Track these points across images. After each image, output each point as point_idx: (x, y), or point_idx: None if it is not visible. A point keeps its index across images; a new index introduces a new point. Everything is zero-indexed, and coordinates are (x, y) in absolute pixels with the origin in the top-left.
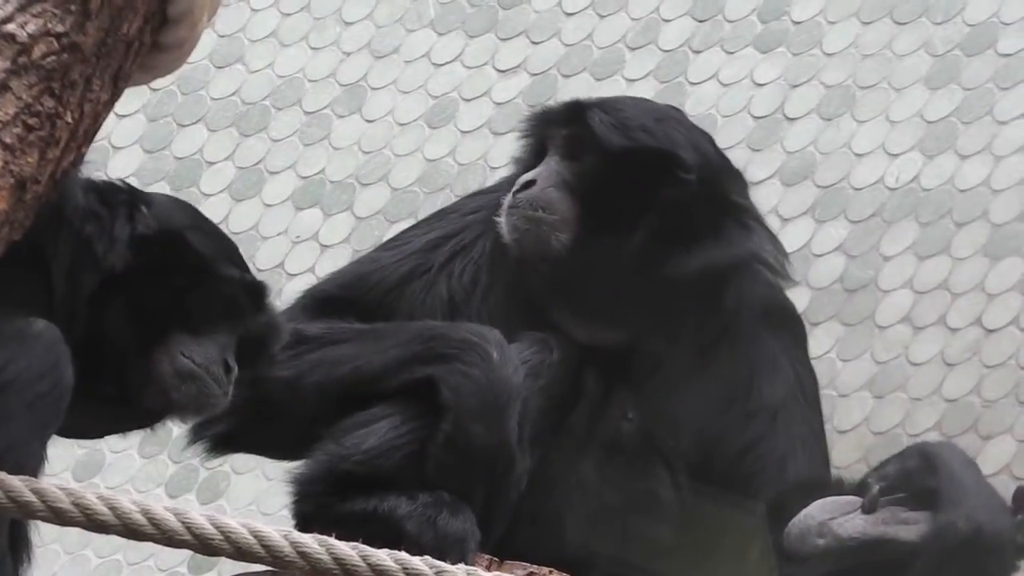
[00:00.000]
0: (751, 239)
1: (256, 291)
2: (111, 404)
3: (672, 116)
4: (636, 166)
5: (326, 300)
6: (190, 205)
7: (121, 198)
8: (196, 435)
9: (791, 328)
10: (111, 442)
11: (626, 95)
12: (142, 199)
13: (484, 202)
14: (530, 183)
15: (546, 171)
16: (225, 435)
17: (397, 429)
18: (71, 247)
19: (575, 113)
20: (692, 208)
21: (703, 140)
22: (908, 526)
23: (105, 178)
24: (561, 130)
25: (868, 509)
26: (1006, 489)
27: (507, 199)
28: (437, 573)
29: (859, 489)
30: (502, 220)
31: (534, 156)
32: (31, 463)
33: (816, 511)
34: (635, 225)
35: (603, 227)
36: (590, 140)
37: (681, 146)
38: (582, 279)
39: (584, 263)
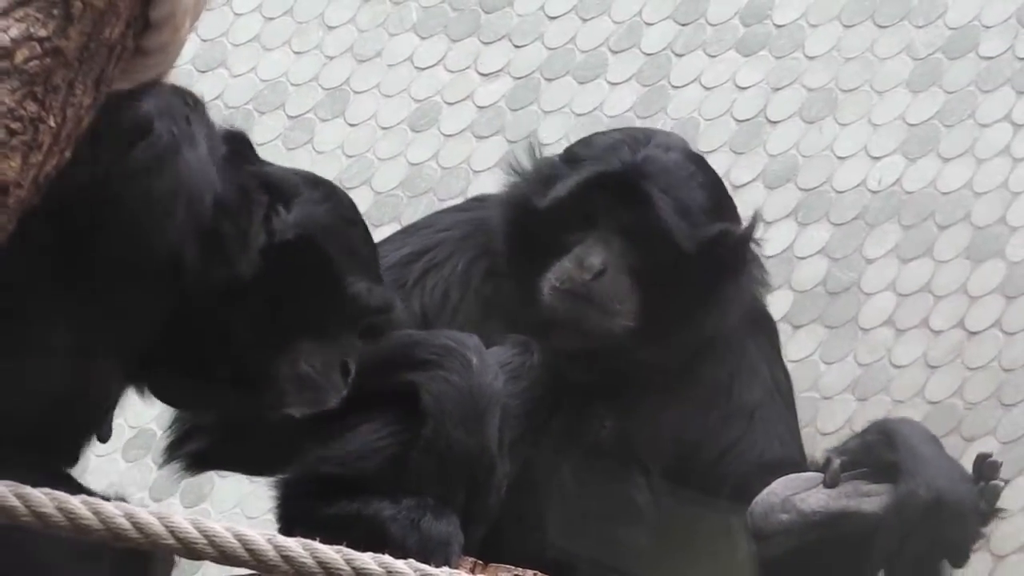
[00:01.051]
0: (757, 274)
1: (384, 308)
2: (222, 386)
3: (715, 179)
4: (708, 257)
5: None
6: (336, 191)
7: (259, 197)
8: (171, 454)
9: (766, 329)
10: (95, 446)
11: (658, 142)
12: (284, 191)
13: (457, 220)
14: (601, 272)
15: (611, 258)
16: (201, 453)
17: (379, 432)
18: (206, 240)
19: (636, 194)
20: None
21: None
22: (870, 498)
23: (245, 149)
24: (621, 211)
25: (830, 484)
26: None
27: (564, 276)
28: (420, 575)
29: (821, 466)
30: (557, 303)
31: (578, 219)
32: None
33: (779, 488)
34: (698, 309)
35: (665, 315)
36: (657, 230)
37: (739, 221)
38: (628, 362)
39: (637, 350)
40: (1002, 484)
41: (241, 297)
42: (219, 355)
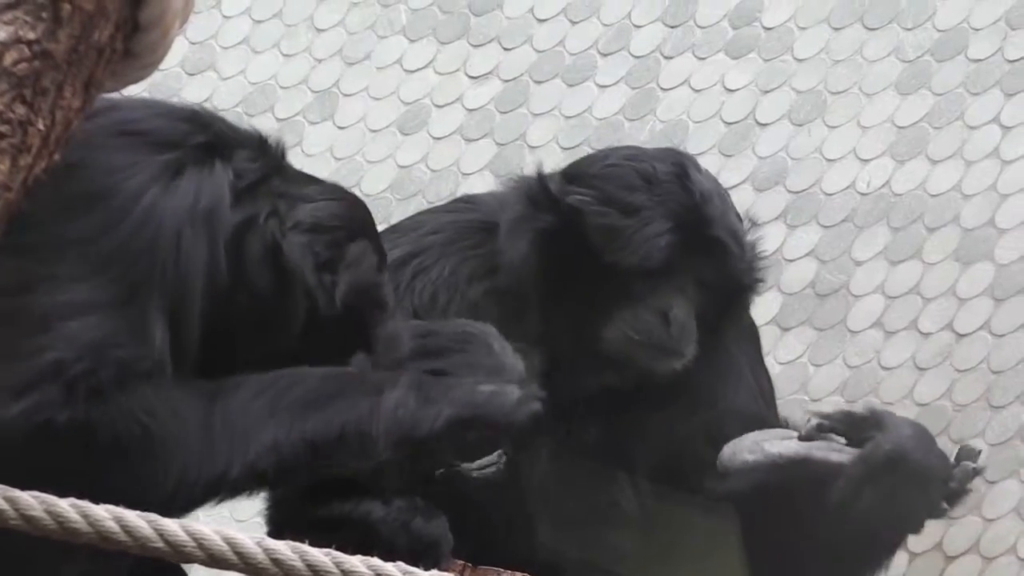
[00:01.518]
0: None
1: (390, 346)
2: None
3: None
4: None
5: None
6: (368, 233)
7: (311, 277)
8: None
9: (749, 334)
10: None
11: (699, 176)
12: (331, 262)
13: (443, 223)
14: (684, 324)
15: (687, 306)
16: None
17: None
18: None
19: (714, 246)
20: None
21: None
22: (839, 453)
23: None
24: (699, 260)
25: (804, 438)
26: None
27: (645, 330)
28: None
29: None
30: (639, 354)
31: (668, 274)
32: None
33: (753, 435)
34: (730, 327)
35: (708, 340)
36: (732, 277)
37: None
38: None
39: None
40: (975, 466)
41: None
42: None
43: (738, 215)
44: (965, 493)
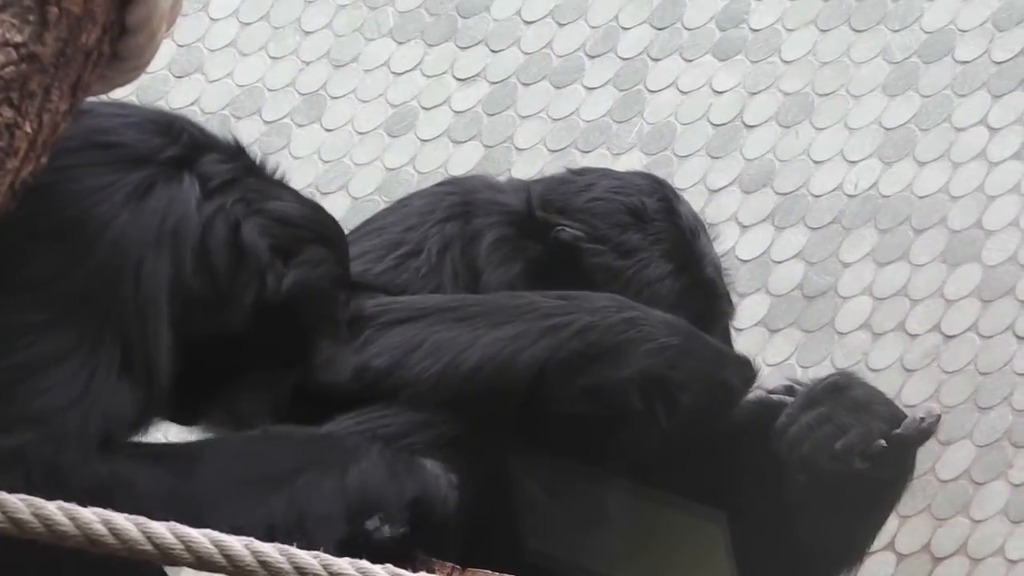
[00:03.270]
0: None
1: (338, 379)
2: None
3: None
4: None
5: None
6: (336, 243)
7: (260, 253)
8: None
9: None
10: None
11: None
12: (287, 248)
13: (425, 206)
14: None
15: None
16: None
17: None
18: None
19: (708, 287)
20: None
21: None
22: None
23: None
24: (692, 298)
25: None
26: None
27: None
28: None
29: None
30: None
31: None
32: None
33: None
34: None
35: None
36: (712, 307)
37: None
38: None
39: None
40: (925, 419)
41: (217, 339)
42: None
43: (709, 239)
44: (910, 443)
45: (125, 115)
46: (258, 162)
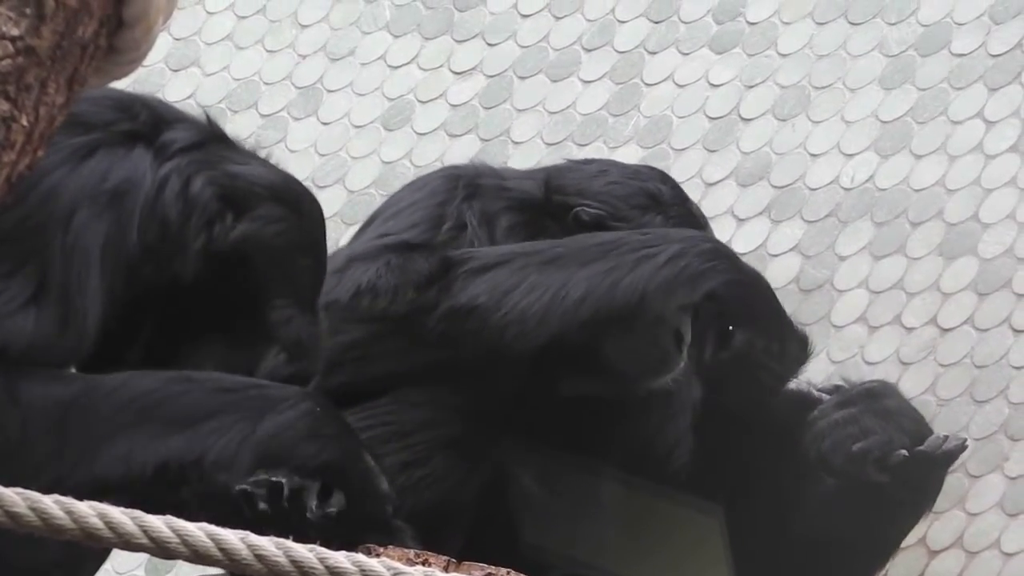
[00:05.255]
0: None
1: (297, 343)
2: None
3: None
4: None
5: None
6: (302, 212)
7: (211, 204)
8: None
9: None
10: None
11: None
12: (240, 202)
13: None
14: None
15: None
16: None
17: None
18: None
19: None
20: None
21: None
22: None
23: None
24: None
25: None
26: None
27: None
28: (394, 575)
29: None
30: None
31: None
32: None
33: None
34: None
35: None
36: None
37: None
38: None
39: None
40: (953, 442)
41: (175, 290)
42: (136, 334)
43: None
44: (931, 462)
45: (89, 93)
46: (232, 139)
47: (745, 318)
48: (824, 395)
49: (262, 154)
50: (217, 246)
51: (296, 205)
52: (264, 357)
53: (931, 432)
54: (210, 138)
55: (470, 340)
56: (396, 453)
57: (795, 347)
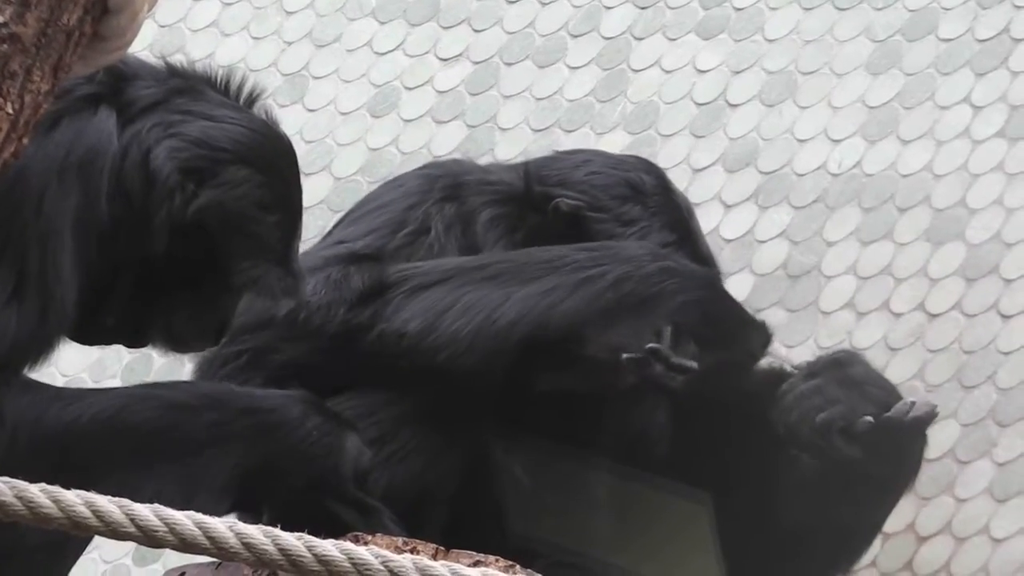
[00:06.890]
0: None
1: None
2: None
3: None
4: None
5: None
6: (270, 164)
7: (172, 177)
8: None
9: None
10: None
11: None
12: (202, 171)
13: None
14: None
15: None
16: None
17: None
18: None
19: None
20: None
21: None
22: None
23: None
24: None
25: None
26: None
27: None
28: (383, 563)
29: None
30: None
31: None
32: None
33: None
34: None
35: None
36: None
37: None
38: None
39: None
40: (919, 407)
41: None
42: (110, 299)
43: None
44: (898, 429)
45: None
46: (200, 80)
47: (701, 335)
48: (791, 367)
49: (235, 83)
50: (179, 219)
51: (262, 162)
52: (233, 312)
53: (897, 398)
54: (172, 93)
55: (404, 362)
56: (364, 431)
57: (756, 339)
